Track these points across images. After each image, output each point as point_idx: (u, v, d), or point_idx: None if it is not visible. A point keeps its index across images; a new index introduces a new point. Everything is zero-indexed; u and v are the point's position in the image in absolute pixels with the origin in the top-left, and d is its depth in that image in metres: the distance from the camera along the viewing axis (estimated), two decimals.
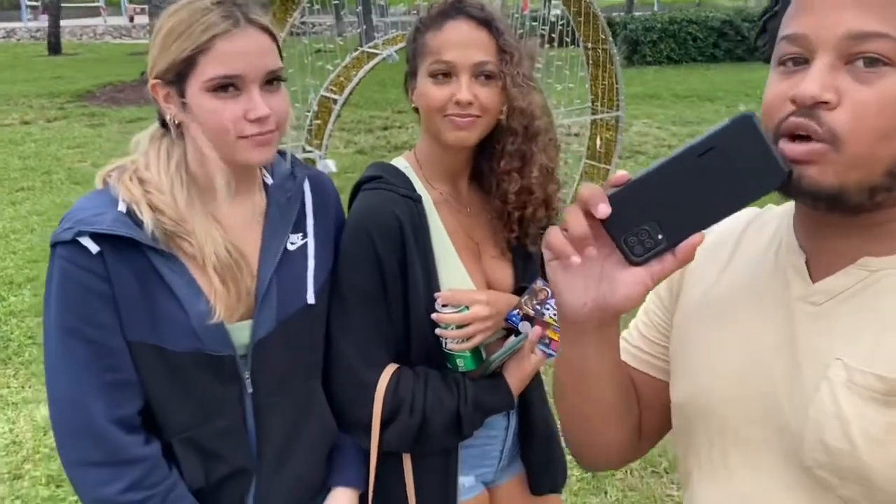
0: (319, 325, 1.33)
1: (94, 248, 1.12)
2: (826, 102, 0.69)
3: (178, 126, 1.19)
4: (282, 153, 1.39)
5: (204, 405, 1.22)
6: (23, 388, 3.51)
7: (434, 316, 1.34)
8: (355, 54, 4.78)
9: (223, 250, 1.19)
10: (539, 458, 1.55)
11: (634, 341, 0.98)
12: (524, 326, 1.37)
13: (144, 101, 7.92)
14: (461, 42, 1.31)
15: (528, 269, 1.48)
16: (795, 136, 0.72)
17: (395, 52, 4.49)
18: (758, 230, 0.88)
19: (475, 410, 1.35)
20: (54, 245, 1.15)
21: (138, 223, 1.14)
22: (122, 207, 1.15)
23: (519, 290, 1.45)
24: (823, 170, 0.70)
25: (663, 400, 0.92)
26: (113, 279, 1.14)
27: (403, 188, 1.38)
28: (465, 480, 1.47)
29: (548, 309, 1.37)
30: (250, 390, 1.24)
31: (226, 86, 1.14)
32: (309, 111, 4.65)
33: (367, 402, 1.32)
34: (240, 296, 1.21)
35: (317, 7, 4.62)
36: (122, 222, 1.14)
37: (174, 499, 1.19)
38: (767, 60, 0.83)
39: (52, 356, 1.16)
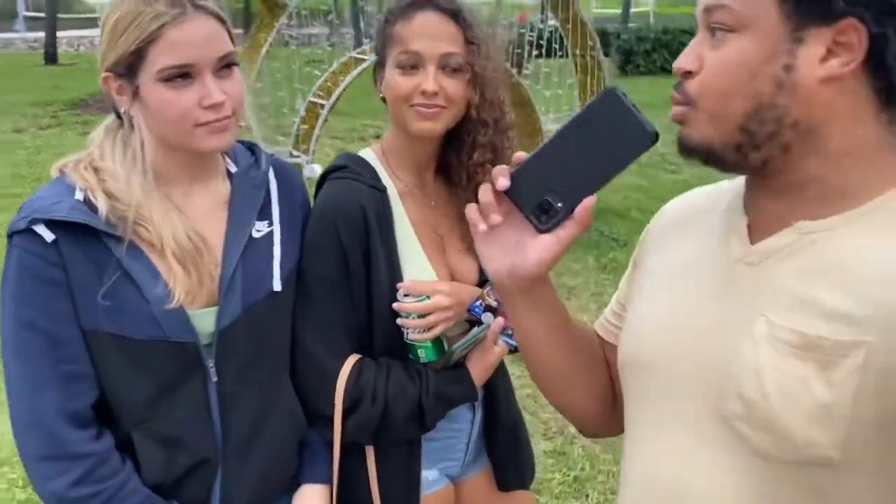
0: (286, 314, 1.32)
1: (49, 236, 1.11)
2: (689, 72, 0.79)
3: (132, 117, 1.19)
4: (245, 143, 1.39)
5: (165, 394, 1.20)
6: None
7: (395, 305, 1.33)
8: (343, 59, 4.80)
9: (183, 235, 1.18)
10: (505, 453, 1.54)
11: (607, 314, 1.05)
12: (486, 317, 1.37)
13: None
14: (428, 33, 1.31)
15: None
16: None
17: None
18: (716, 196, 0.92)
19: (437, 401, 1.34)
20: (10, 235, 1.14)
21: (95, 210, 1.13)
22: (79, 196, 1.15)
23: (483, 283, 1.44)
24: (689, 128, 0.80)
25: None
26: (68, 267, 1.13)
27: (369, 178, 1.38)
28: (428, 474, 1.45)
29: None
30: (214, 379, 1.22)
31: (179, 75, 1.13)
32: (296, 118, 4.67)
33: (330, 393, 1.31)
34: (202, 281, 1.20)
35: (305, 13, 4.63)
36: (79, 210, 1.13)
37: (127, 493, 1.17)
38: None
39: (7, 348, 1.16)
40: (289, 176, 1.39)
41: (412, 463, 1.41)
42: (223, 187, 1.29)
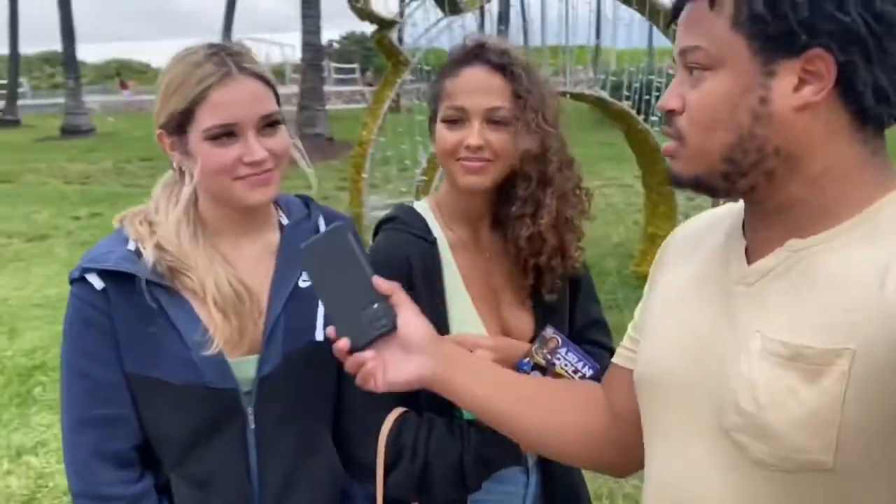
0: (328, 365, 1.31)
1: (98, 284, 1.19)
2: (673, 110, 0.85)
3: (183, 171, 1.26)
4: (302, 197, 1.43)
5: (202, 438, 1.23)
6: None
7: None
8: None
9: (225, 283, 1.23)
10: None
11: (625, 342, 1.09)
12: (534, 375, 1.30)
13: None
14: (474, 88, 1.31)
15: (549, 317, 1.42)
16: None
17: None
18: (721, 221, 0.97)
19: (478, 462, 1.29)
20: (71, 283, 1.23)
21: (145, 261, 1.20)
22: (131, 246, 1.22)
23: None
24: (678, 163, 0.86)
25: None
26: (114, 314, 1.19)
27: (419, 230, 1.38)
28: None
29: (559, 359, 1.32)
30: (252, 426, 1.24)
31: (223, 133, 1.18)
32: (417, 167, 4.77)
33: (371, 445, 1.30)
34: (243, 329, 1.23)
35: (427, 68, 4.75)
36: (128, 259, 1.20)
37: None
38: None
39: (61, 387, 1.24)
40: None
41: None
42: (273, 238, 1.33)
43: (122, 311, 1.19)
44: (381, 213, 4.80)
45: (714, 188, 0.85)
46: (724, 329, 0.85)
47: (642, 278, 5.43)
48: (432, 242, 1.36)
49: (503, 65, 1.33)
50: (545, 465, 1.43)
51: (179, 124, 1.20)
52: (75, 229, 8.11)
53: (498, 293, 1.41)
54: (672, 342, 0.91)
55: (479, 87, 1.32)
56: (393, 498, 1.31)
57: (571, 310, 1.47)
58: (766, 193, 0.82)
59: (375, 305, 0.99)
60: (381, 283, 1.01)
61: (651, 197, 5.85)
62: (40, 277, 6.35)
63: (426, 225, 1.39)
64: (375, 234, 1.43)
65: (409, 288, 1.31)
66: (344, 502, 1.35)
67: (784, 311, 0.79)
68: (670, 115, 0.85)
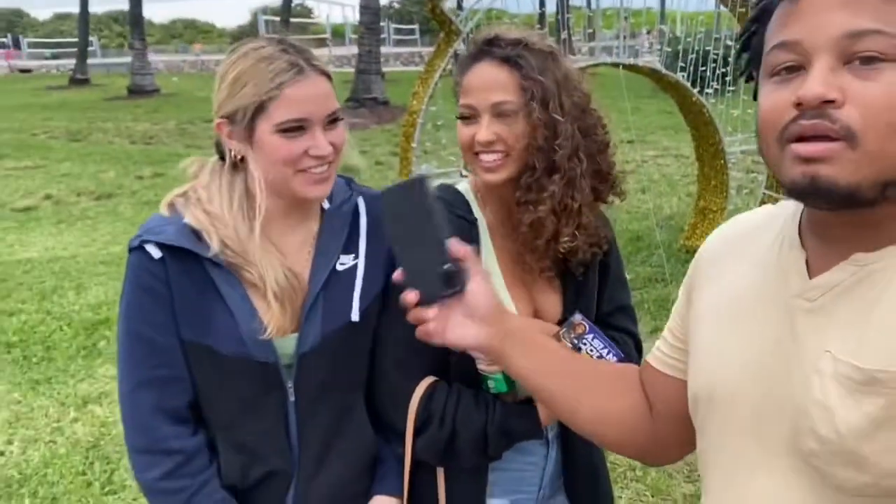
0: (363, 341, 1.40)
1: (157, 253, 1.26)
2: (832, 101, 0.70)
3: (241, 160, 1.31)
4: (344, 177, 1.49)
5: (247, 406, 1.33)
6: None
7: None
8: None
9: (282, 276, 1.30)
10: (582, 492, 1.52)
11: (659, 345, 1.06)
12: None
13: None
14: (481, 85, 1.34)
15: (578, 299, 1.46)
16: (806, 139, 0.72)
17: None
18: (766, 227, 0.91)
19: (501, 433, 1.36)
20: (130, 251, 1.31)
21: (198, 237, 1.27)
22: (186, 220, 1.28)
23: (563, 321, 1.44)
24: (840, 168, 0.71)
25: (678, 396, 0.99)
26: (172, 283, 1.27)
27: (460, 209, 1.43)
28: (498, 502, 1.47)
29: (584, 344, 1.36)
30: (292, 398, 1.33)
31: (294, 128, 1.25)
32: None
33: (402, 411, 1.37)
34: (293, 314, 1.31)
35: None
36: (184, 234, 1.27)
37: (209, 491, 1.31)
38: (749, 80, 0.85)
39: (119, 351, 1.34)
40: (380, 208, 1.46)
41: (479, 489, 1.44)
42: (315, 223, 1.40)
43: (179, 281, 1.27)
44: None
45: (865, 199, 0.72)
46: (789, 347, 0.80)
47: (691, 252, 5.37)
48: (472, 222, 1.41)
49: (509, 57, 1.34)
50: (565, 439, 1.50)
51: (250, 117, 1.25)
52: (139, 189, 8.41)
53: (529, 274, 1.46)
54: (733, 360, 0.86)
55: (485, 83, 1.34)
56: (420, 461, 1.40)
57: (599, 294, 1.51)
58: (883, 205, 0.74)
59: (447, 266, 0.98)
60: (456, 245, 0.99)
61: (704, 170, 5.76)
62: (106, 235, 6.64)
63: (467, 205, 1.44)
64: None
65: None
66: (375, 463, 1.44)
67: (853, 330, 0.75)
68: (822, 107, 0.71)
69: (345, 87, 14.25)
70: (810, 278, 0.80)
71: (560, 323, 1.44)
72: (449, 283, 0.99)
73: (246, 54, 1.27)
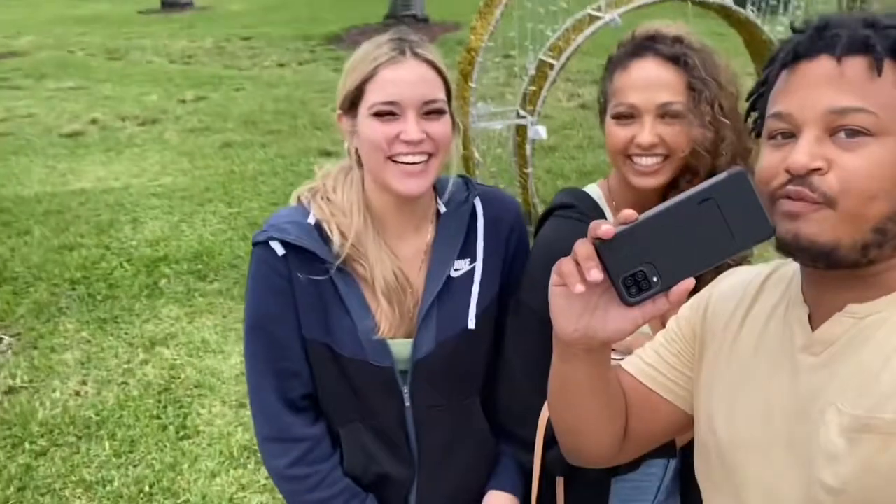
0: (479, 348, 1.39)
1: (280, 250, 1.28)
2: (818, 169, 0.79)
3: (357, 154, 1.31)
4: (463, 177, 1.44)
5: (365, 408, 1.35)
6: None
7: None
8: (577, 16, 4.68)
9: (391, 275, 1.30)
10: (699, 499, 1.52)
11: (649, 359, 1.07)
12: None
13: None
14: (645, 84, 1.28)
15: None
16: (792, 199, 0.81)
17: (619, 16, 4.34)
18: (775, 283, 0.95)
19: None
20: (255, 245, 1.32)
21: (324, 238, 1.28)
22: (311, 219, 1.29)
23: None
24: (820, 227, 0.79)
25: (663, 416, 1.04)
26: (294, 281, 1.28)
27: (593, 217, 1.38)
28: None
29: None
30: (408, 404, 1.34)
31: (387, 111, 1.22)
32: (523, 73, 4.67)
33: (529, 423, 1.36)
34: (403, 316, 1.31)
35: None
36: (309, 234, 1.28)
37: (334, 479, 1.34)
38: (759, 135, 0.92)
39: (245, 344, 1.37)
40: (500, 210, 1.42)
41: (600, 500, 1.44)
42: (430, 229, 1.38)
43: (301, 279, 1.28)
44: (487, 123, 4.74)
45: (845, 259, 0.79)
46: (799, 404, 0.85)
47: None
48: None
49: (676, 55, 1.28)
50: (685, 450, 1.49)
51: (352, 103, 1.25)
52: (183, 114, 8.36)
53: None
54: (748, 418, 0.91)
55: (650, 82, 1.28)
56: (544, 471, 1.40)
57: None
58: (878, 261, 0.81)
59: (671, 272, 0.78)
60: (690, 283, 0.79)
61: None
62: (155, 165, 6.65)
63: (602, 213, 1.39)
64: (545, 217, 1.44)
65: None
66: (493, 461, 1.45)
67: (852, 382, 0.80)
68: (808, 175, 0.79)
69: (382, 2, 13.87)
70: (812, 331, 0.85)
71: None
72: (657, 279, 0.78)
73: (364, 45, 1.27)
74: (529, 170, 4.76)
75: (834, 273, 0.83)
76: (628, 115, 1.29)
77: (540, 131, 4.44)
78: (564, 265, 0.81)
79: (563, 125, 7.38)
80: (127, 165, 6.70)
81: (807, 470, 0.83)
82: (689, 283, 0.77)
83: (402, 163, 1.23)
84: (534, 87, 4.59)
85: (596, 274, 0.78)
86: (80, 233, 5.19)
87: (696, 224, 0.77)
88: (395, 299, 1.30)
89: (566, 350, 0.90)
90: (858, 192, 0.78)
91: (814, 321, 0.87)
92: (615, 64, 1.33)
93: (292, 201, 1.35)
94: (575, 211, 1.38)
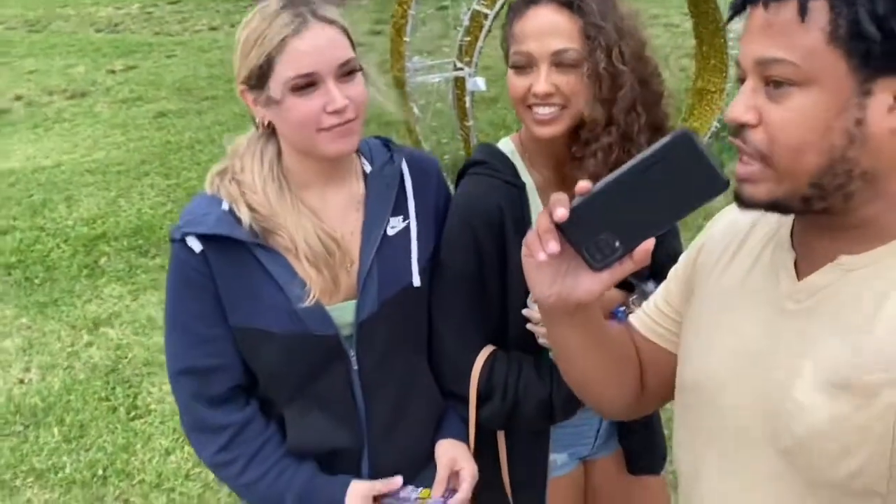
0: (423, 304, 1.38)
1: (197, 247, 1.25)
2: (745, 125, 0.79)
3: (268, 125, 1.27)
4: (382, 139, 1.43)
5: (311, 380, 1.32)
6: None
7: (524, 311, 1.35)
8: None
9: (315, 238, 1.27)
10: (636, 440, 1.55)
11: (650, 312, 1.09)
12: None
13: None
14: (539, 31, 1.25)
15: None
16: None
17: None
18: (763, 225, 0.94)
19: (567, 402, 1.36)
20: (171, 241, 1.28)
21: (239, 220, 1.25)
22: (225, 206, 1.26)
23: (623, 284, 1.41)
24: (756, 187, 0.80)
25: (667, 366, 1.04)
26: (215, 274, 1.26)
27: (508, 174, 1.37)
28: (557, 458, 1.51)
29: None
30: (356, 367, 1.33)
31: (304, 84, 1.19)
32: (459, 24, 4.59)
33: (463, 382, 1.37)
34: (336, 279, 1.29)
35: None
36: (225, 221, 1.25)
37: (263, 457, 1.33)
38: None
39: (165, 335, 1.34)
40: (423, 167, 1.42)
41: (540, 448, 1.47)
42: (358, 187, 1.36)
43: (223, 269, 1.26)
44: (424, 77, 4.66)
45: (789, 209, 0.81)
46: (776, 348, 0.84)
47: None
48: (520, 187, 1.36)
49: (570, 1, 1.25)
50: None
51: (260, 78, 1.21)
52: (113, 85, 8.06)
53: None
54: (723, 356, 0.91)
55: (544, 29, 1.25)
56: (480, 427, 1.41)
57: (655, 246, 1.47)
58: (836, 212, 0.80)
59: (624, 240, 0.81)
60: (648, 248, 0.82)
61: (702, 49, 5.58)
62: (87, 140, 6.42)
63: (514, 169, 1.38)
64: (460, 176, 1.43)
65: (501, 236, 1.33)
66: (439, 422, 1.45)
67: (834, 335, 0.79)
68: (741, 128, 0.80)
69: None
70: (798, 279, 0.84)
71: (619, 285, 1.41)
72: (614, 247, 0.81)
73: (254, 15, 1.23)
74: (470, 122, 4.72)
75: (816, 220, 0.81)
76: (525, 65, 1.27)
77: (479, 83, 4.39)
78: (529, 236, 0.85)
79: (503, 73, 7.29)
80: (57, 142, 6.45)
81: (773, 414, 0.83)
82: (650, 243, 0.81)
83: (330, 129, 1.22)
84: (469, 38, 4.53)
85: (553, 246, 0.80)
86: (13, 215, 5.01)
87: (650, 188, 0.78)
88: (322, 263, 1.28)
89: (549, 315, 0.94)
90: (785, 146, 0.77)
91: (800, 268, 0.85)
92: (514, 11, 1.30)
93: (206, 187, 1.31)
94: (487, 167, 1.37)
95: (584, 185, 0.81)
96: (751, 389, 0.86)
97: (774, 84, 0.77)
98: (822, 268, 0.82)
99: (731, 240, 0.98)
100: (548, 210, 0.81)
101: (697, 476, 0.95)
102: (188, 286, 1.28)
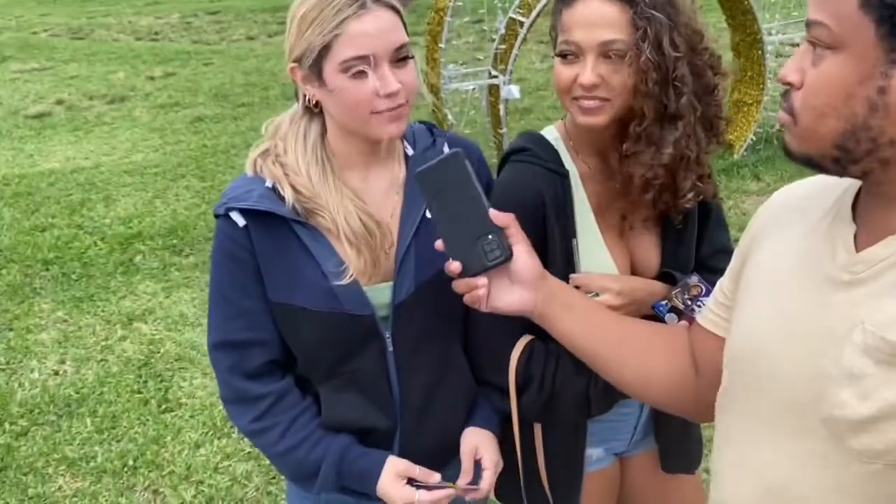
0: None
1: (241, 221, 1.26)
2: (791, 84, 0.80)
3: (317, 105, 1.28)
4: (426, 124, 1.43)
5: (347, 359, 1.33)
6: None
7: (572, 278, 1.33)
8: None
9: (356, 220, 1.28)
10: (672, 439, 1.53)
11: (710, 304, 1.09)
12: (670, 318, 1.33)
13: None
14: (588, 20, 1.24)
15: (678, 250, 1.41)
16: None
17: None
18: (823, 198, 0.93)
19: (605, 395, 1.34)
20: (216, 217, 1.30)
21: (282, 198, 1.26)
22: (269, 183, 1.27)
23: (663, 276, 1.40)
24: (790, 138, 0.83)
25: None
26: (257, 249, 1.27)
27: (551, 162, 1.35)
28: (593, 452, 1.49)
29: (699, 305, 1.32)
30: (391, 348, 1.33)
31: (359, 66, 1.19)
32: (495, 33, 4.61)
33: (500, 370, 1.36)
34: (376, 261, 1.29)
35: None
36: (267, 197, 1.26)
37: (301, 424, 1.33)
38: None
39: (209, 309, 1.36)
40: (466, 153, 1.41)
41: (577, 442, 1.45)
42: (400, 170, 1.36)
43: (264, 245, 1.27)
44: (459, 84, 4.67)
45: (826, 169, 0.82)
46: (825, 319, 0.83)
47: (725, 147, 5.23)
48: (564, 175, 1.34)
49: None
50: None
51: (315, 57, 1.21)
52: (152, 91, 8.21)
53: (626, 224, 1.41)
54: (769, 325, 0.90)
55: (592, 19, 1.23)
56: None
57: (699, 237, 1.45)
58: (882, 178, 0.79)
59: (490, 236, 1.03)
60: (497, 215, 1.04)
61: (739, 61, 5.54)
62: (126, 143, 6.53)
63: (558, 156, 1.37)
64: (503, 163, 1.42)
65: (542, 224, 1.32)
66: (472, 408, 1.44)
67: (888, 304, 0.78)
68: (789, 87, 0.81)
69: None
70: (857, 252, 0.83)
71: (659, 277, 1.40)
72: (490, 255, 1.03)
73: None
74: (503, 130, 4.73)
75: (874, 189, 0.81)
76: (572, 54, 1.26)
77: (513, 91, 4.40)
78: (466, 299, 1.12)
79: (538, 86, 7.32)
80: (96, 144, 6.58)
81: (820, 383, 0.82)
82: (494, 213, 1.04)
83: (382, 113, 1.23)
84: (504, 46, 4.54)
85: (482, 287, 1.09)
86: (51, 213, 5.11)
87: (450, 202, 1.04)
88: (364, 245, 1.28)
89: (542, 317, 1.12)
90: (811, 108, 0.78)
91: (860, 241, 0.83)
92: (561, 1, 1.29)
93: (248, 168, 1.32)
94: (530, 154, 1.36)
95: (437, 243, 1.07)
96: (797, 358, 0.85)
97: (815, 46, 0.78)
98: (883, 240, 0.80)
99: (785, 215, 0.97)
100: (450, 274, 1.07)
101: (730, 449, 0.95)
102: (231, 259, 1.29)
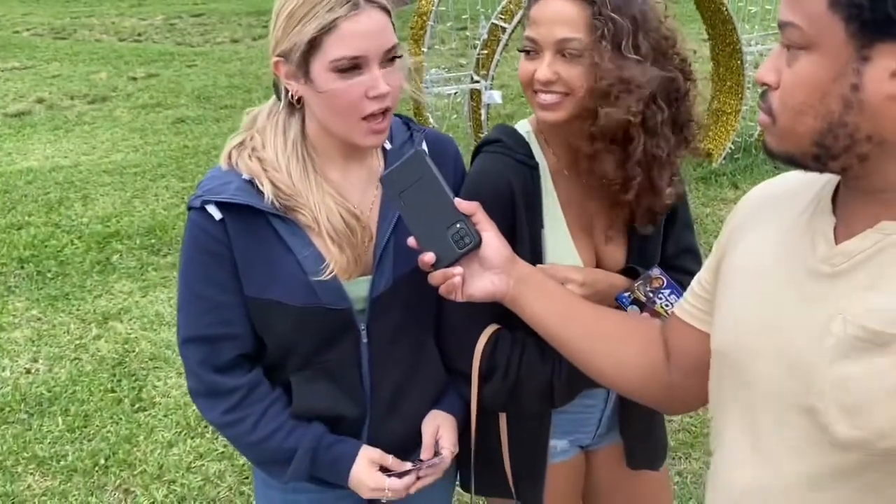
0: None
1: (217, 215, 1.25)
2: (768, 85, 0.82)
3: (299, 101, 1.27)
4: (402, 118, 1.44)
5: (321, 350, 1.33)
6: None
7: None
8: None
9: (337, 217, 1.27)
10: (636, 434, 1.54)
11: (688, 296, 1.10)
12: (632, 310, 1.35)
13: None
14: (547, 18, 1.26)
15: (644, 248, 1.43)
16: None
17: None
18: (804, 193, 0.94)
19: (568, 385, 1.36)
20: (189, 209, 1.28)
21: (259, 191, 1.25)
22: (246, 176, 1.26)
23: (627, 271, 1.41)
24: (770, 138, 0.84)
25: (703, 346, 1.02)
26: (233, 243, 1.26)
27: (521, 154, 1.37)
28: (558, 444, 1.50)
29: (660, 298, 1.34)
30: (365, 340, 1.33)
31: (350, 66, 1.18)
32: (478, 40, 4.63)
33: (466, 358, 1.37)
34: (356, 257, 1.29)
35: None
36: (245, 191, 1.25)
37: (273, 414, 1.33)
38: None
39: (178, 301, 1.35)
40: (442, 148, 1.42)
41: (541, 433, 1.46)
42: (376, 164, 1.36)
43: (241, 239, 1.26)
44: (441, 88, 4.68)
45: (806, 166, 0.83)
46: (806, 310, 0.84)
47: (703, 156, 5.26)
48: (534, 167, 1.36)
49: None
50: None
51: (302, 54, 1.19)
52: (134, 91, 8.17)
53: (593, 220, 1.42)
54: (751, 317, 0.91)
55: (552, 17, 1.25)
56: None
57: (665, 236, 1.47)
58: (859, 175, 0.81)
59: (458, 224, 1.08)
60: (462, 203, 1.08)
61: (718, 71, 5.60)
62: (106, 142, 6.49)
63: (529, 149, 1.38)
64: (476, 154, 1.43)
65: (511, 214, 1.33)
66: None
67: (868, 295, 0.79)
68: (766, 88, 0.82)
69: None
70: (837, 245, 0.84)
71: (623, 272, 1.42)
72: (460, 243, 1.07)
73: None
74: (484, 135, 4.74)
75: (853, 183, 0.82)
76: (532, 50, 1.28)
77: (494, 96, 4.42)
78: (442, 290, 1.13)
79: (520, 93, 7.35)
80: (76, 143, 6.53)
81: (804, 375, 0.83)
82: (459, 201, 1.08)
83: (370, 119, 1.23)
84: (486, 52, 4.57)
85: (457, 278, 1.11)
86: (28, 211, 5.06)
87: (418, 197, 1.09)
88: (345, 242, 1.28)
89: (513, 301, 1.14)
90: (788, 108, 0.79)
91: (839, 234, 0.85)
92: None
93: (222, 161, 1.30)
94: (502, 145, 1.37)
95: (410, 240, 1.11)
96: (781, 353, 0.86)
97: (789, 47, 0.79)
98: (862, 233, 0.82)
99: (765, 209, 0.98)
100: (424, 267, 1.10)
101: (720, 442, 0.96)
102: (205, 254, 1.27)
